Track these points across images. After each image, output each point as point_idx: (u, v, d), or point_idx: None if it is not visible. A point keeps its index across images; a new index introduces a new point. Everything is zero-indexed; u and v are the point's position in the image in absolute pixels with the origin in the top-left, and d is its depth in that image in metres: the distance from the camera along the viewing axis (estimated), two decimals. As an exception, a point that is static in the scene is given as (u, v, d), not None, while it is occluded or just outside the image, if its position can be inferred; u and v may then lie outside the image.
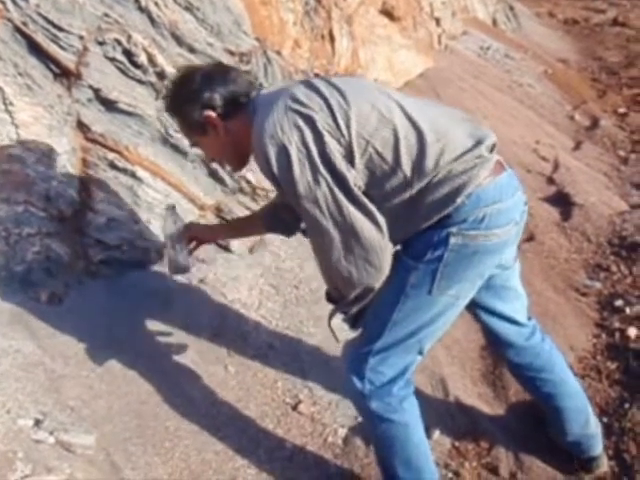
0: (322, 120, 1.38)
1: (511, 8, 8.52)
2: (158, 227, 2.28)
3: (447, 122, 1.46)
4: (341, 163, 1.37)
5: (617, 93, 6.30)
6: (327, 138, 1.37)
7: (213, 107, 1.53)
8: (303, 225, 1.59)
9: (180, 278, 2.28)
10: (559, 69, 6.82)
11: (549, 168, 4.05)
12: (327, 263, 1.45)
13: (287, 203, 1.53)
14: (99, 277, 2.15)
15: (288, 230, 1.87)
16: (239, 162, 1.67)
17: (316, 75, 3.34)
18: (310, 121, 1.38)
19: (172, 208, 1.88)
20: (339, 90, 1.43)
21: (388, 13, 4.56)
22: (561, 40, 8.76)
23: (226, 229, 2.22)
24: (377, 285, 1.45)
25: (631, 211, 3.57)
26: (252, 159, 1.58)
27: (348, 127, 1.38)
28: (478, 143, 1.42)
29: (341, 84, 1.46)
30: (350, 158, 1.39)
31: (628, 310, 2.63)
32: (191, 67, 1.68)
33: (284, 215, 1.77)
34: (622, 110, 5.76)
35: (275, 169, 1.39)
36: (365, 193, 1.40)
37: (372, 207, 1.40)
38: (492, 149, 1.46)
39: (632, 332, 2.46)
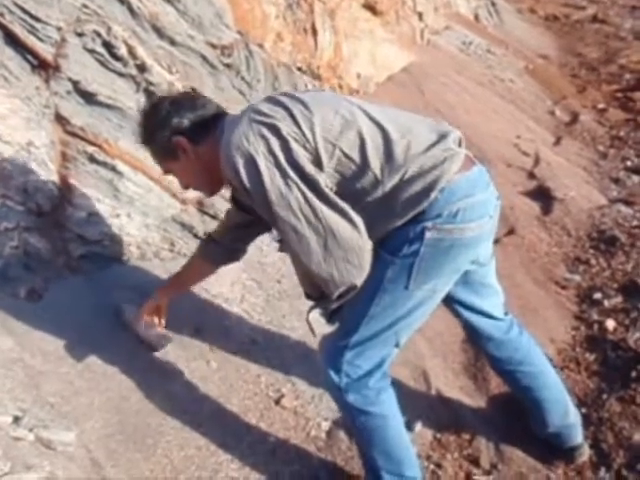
0: (286, 127, 1.40)
1: (493, 4, 8.58)
2: (139, 221, 2.26)
3: (409, 121, 1.50)
4: (309, 167, 1.39)
5: (596, 89, 6.38)
6: (293, 144, 1.39)
7: (182, 132, 1.57)
8: (276, 236, 1.61)
9: (162, 272, 2.26)
10: (540, 65, 6.88)
11: (530, 163, 4.10)
12: (307, 268, 1.45)
13: (245, 218, 1.65)
14: (79, 272, 2.12)
15: (235, 256, 1.94)
16: (212, 187, 1.70)
17: (297, 69, 3.33)
18: (274, 129, 1.40)
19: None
20: (301, 101, 1.47)
21: (371, 7, 4.56)
22: (542, 36, 8.84)
23: (173, 287, 1.99)
24: (359, 283, 1.47)
25: (610, 205, 3.63)
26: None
27: (313, 132, 1.40)
28: (443, 137, 1.45)
29: (303, 96, 1.50)
30: (318, 162, 1.41)
31: (606, 303, 2.68)
32: (159, 96, 1.77)
33: (226, 240, 1.85)
34: (601, 106, 5.83)
35: (245, 179, 1.40)
36: (338, 194, 1.42)
37: (346, 206, 1.41)
38: (459, 144, 1.49)
39: (610, 324, 2.51)
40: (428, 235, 1.41)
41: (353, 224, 1.41)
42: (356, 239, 1.41)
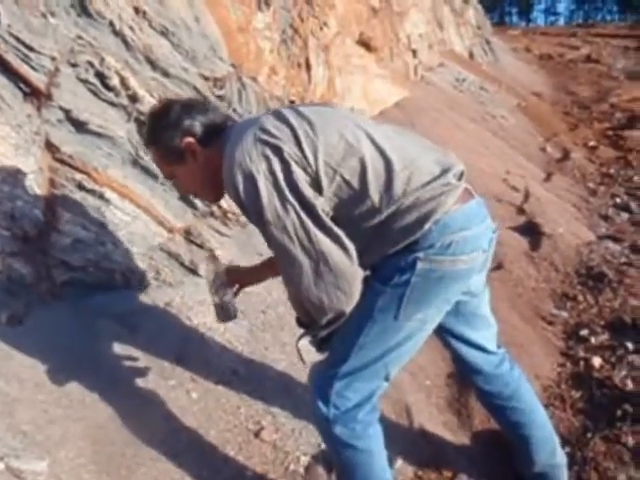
0: (289, 150, 1.40)
1: (488, 42, 8.77)
2: (125, 249, 2.26)
3: (415, 150, 1.49)
4: (308, 191, 1.40)
5: (588, 127, 6.49)
6: (294, 167, 1.39)
7: (193, 134, 1.56)
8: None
9: (146, 301, 2.26)
10: (533, 102, 7.01)
11: (519, 198, 4.13)
12: (297, 290, 1.45)
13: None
14: (63, 299, 2.11)
15: None
16: (215, 193, 1.67)
17: (290, 102, 3.38)
18: (277, 151, 1.40)
19: (213, 256, 1.91)
20: (308, 120, 1.46)
21: (365, 44, 4.66)
22: (535, 74, 9.02)
23: (265, 269, 1.92)
24: (348, 310, 1.46)
25: (598, 242, 3.65)
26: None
27: (315, 157, 1.41)
28: (445, 171, 1.45)
29: (311, 114, 1.49)
30: (317, 186, 1.41)
31: (593, 340, 2.67)
32: (169, 99, 1.73)
33: None
34: (592, 143, 5.93)
35: (243, 197, 1.41)
36: (335, 218, 1.42)
37: (340, 233, 1.41)
38: (460, 177, 1.49)
39: (596, 361, 2.50)
40: (420, 265, 1.41)
41: (346, 251, 1.41)
42: (348, 266, 1.42)
